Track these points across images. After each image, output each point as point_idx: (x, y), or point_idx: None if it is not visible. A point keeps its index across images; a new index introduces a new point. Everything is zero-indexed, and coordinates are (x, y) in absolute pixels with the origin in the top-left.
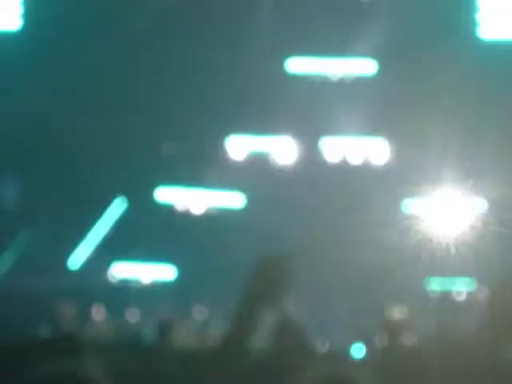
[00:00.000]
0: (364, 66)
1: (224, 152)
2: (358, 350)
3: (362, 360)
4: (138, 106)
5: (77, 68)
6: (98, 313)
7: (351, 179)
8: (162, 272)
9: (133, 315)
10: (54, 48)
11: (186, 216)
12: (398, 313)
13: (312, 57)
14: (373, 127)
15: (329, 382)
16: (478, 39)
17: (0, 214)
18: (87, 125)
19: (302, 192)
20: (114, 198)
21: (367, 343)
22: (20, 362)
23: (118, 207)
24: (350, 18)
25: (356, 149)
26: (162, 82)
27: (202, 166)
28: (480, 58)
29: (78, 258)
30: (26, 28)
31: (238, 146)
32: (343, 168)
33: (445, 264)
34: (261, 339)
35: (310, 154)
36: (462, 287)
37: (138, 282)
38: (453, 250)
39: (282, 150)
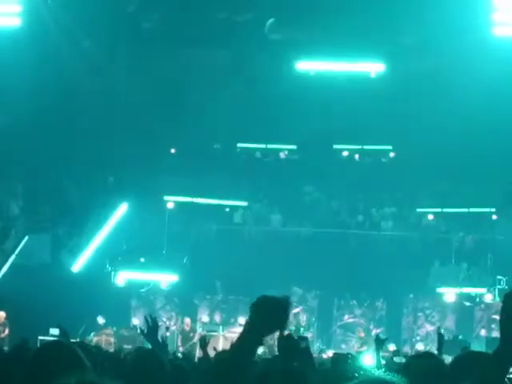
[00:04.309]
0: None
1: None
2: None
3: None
4: (146, 111)
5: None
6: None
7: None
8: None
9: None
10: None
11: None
12: None
13: (321, 59)
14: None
15: None
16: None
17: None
18: (88, 124)
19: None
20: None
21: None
22: (39, 372)
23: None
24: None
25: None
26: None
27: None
28: (494, 57)
29: (83, 263)
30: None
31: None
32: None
33: None
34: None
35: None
36: None
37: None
38: None
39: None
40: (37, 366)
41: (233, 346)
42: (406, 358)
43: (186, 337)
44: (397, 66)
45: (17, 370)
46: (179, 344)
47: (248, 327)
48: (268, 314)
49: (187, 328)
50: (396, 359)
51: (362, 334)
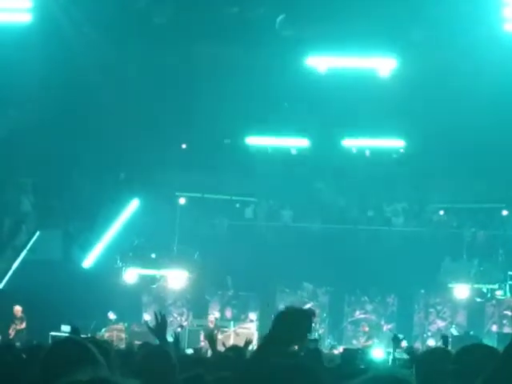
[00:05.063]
0: (385, 64)
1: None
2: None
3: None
4: (157, 106)
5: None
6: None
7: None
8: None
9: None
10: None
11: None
12: None
13: (332, 54)
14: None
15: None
16: (505, 34)
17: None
18: (99, 120)
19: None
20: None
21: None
22: (51, 368)
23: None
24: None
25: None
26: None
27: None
28: (506, 53)
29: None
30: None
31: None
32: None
33: None
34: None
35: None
36: None
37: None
38: None
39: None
40: (50, 362)
41: (252, 355)
42: (410, 353)
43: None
44: (407, 62)
45: (30, 366)
46: (202, 339)
47: (270, 337)
48: (293, 326)
49: (211, 325)
50: (397, 355)
51: (367, 329)
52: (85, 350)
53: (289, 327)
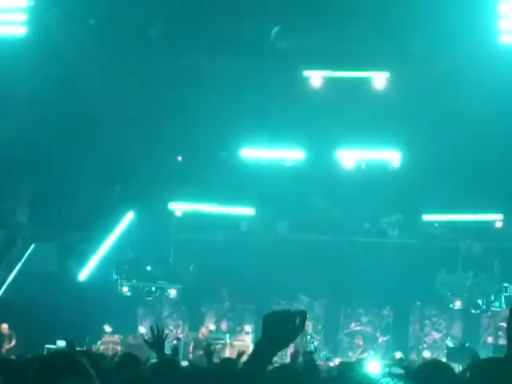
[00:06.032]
0: (380, 76)
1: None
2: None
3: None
4: (153, 119)
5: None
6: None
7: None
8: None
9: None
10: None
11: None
12: None
13: (327, 69)
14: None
15: None
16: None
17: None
18: (95, 133)
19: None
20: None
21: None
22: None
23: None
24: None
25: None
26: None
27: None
28: (501, 65)
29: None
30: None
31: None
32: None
33: None
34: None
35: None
36: None
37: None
38: None
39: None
40: (42, 375)
41: (244, 364)
42: (405, 368)
43: (198, 345)
44: (403, 75)
45: (24, 380)
46: (190, 351)
47: (259, 346)
48: (276, 329)
49: (202, 338)
50: (393, 369)
51: (361, 343)
52: (76, 362)
53: (277, 330)
